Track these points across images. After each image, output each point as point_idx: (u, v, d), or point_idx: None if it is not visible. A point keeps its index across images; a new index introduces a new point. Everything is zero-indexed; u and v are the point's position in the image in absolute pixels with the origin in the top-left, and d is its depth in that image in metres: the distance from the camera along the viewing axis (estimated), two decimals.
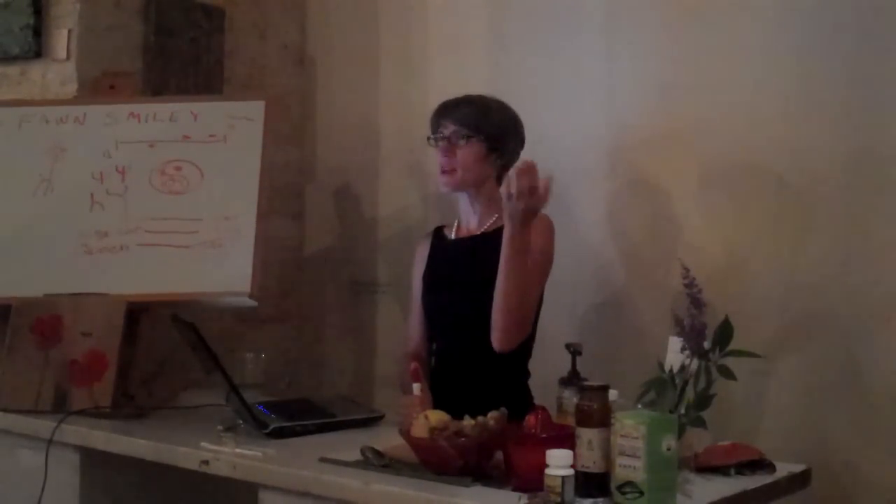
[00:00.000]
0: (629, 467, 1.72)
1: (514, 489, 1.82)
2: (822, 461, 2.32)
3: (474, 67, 3.06)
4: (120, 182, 2.81)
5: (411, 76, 3.22)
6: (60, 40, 2.98)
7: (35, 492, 2.36)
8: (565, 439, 1.80)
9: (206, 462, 2.14)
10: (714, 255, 2.64)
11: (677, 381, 1.99)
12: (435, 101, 2.63)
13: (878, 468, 2.44)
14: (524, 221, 2.25)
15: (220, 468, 2.12)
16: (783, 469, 2.00)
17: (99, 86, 2.97)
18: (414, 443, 1.96)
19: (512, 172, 2.22)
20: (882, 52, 2.44)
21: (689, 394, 1.98)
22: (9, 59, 3.05)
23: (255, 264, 2.68)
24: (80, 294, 2.65)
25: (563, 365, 2.23)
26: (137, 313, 2.66)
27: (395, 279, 3.21)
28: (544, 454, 1.73)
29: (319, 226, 3.47)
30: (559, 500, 1.70)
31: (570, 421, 1.93)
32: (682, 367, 2.00)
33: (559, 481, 1.70)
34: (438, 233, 2.70)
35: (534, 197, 2.20)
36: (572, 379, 2.19)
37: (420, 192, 3.18)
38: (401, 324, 2.93)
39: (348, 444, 2.12)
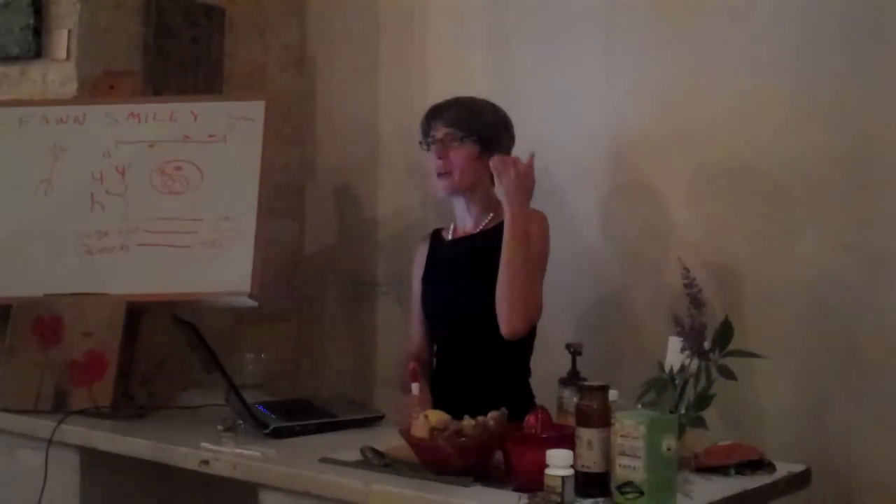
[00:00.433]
0: (629, 467, 1.72)
1: (514, 489, 1.82)
2: (822, 461, 2.32)
3: (474, 68, 3.06)
4: (120, 182, 2.81)
5: (411, 76, 3.22)
6: (60, 40, 2.98)
7: (35, 492, 2.36)
8: (565, 439, 1.80)
9: (206, 462, 2.14)
10: (713, 255, 2.64)
11: (677, 381, 1.99)
12: (435, 101, 2.64)
13: (878, 468, 2.44)
14: (521, 200, 2.32)
15: (220, 468, 2.12)
16: (783, 469, 2.00)
17: (99, 86, 2.97)
18: (414, 443, 1.96)
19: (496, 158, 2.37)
20: (877, 57, 2.45)
21: (689, 394, 1.98)
22: (9, 59, 3.05)
23: (255, 264, 2.68)
24: (80, 294, 2.65)
25: (563, 365, 2.23)
26: (137, 313, 2.66)
27: (395, 279, 3.21)
28: (544, 454, 1.73)
29: (319, 226, 3.47)
30: (559, 500, 1.70)
31: (570, 421, 1.93)
32: (682, 367, 2.00)
33: (559, 481, 1.70)
34: (436, 235, 2.71)
35: (521, 173, 2.30)
36: (572, 379, 2.19)
37: (420, 192, 3.18)
38: (401, 324, 2.93)
39: (348, 444, 2.12)
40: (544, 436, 1.89)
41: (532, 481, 1.77)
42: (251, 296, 2.66)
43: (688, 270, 2.03)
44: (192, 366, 2.53)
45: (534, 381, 2.54)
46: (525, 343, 2.49)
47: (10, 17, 3.02)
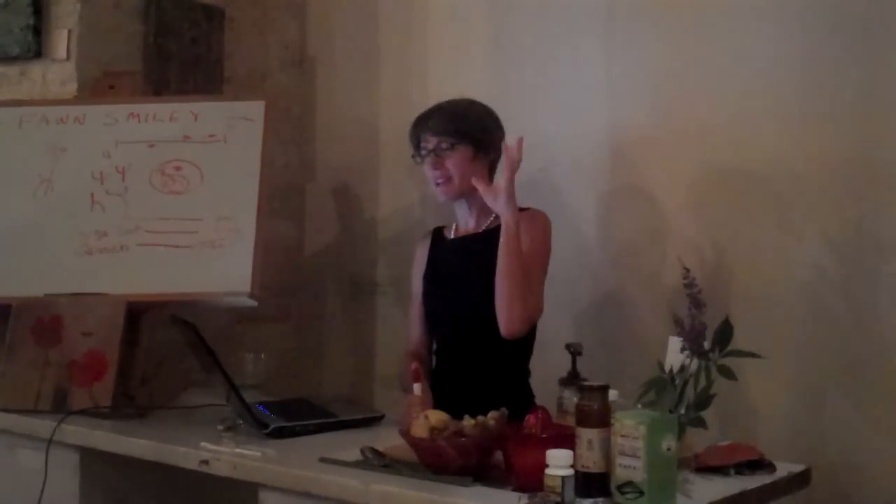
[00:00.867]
0: (629, 467, 1.72)
1: (514, 489, 1.82)
2: (822, 461, 2.32)
3: (474, 68, 3.07)
4: (120, 182, 2.81)
5: (411, 76, 3.22)
6: (60, 40, 2.98)
7: (35, 492, 2.36)
8: (565, 439, 1.80)
9: (206, 462, 2.14)
10: (713, 255, 2.64)
11: (677, 381, 1.99)
12: (435, 101, 2.64)
13: (878, 468, 2.44)
14: (512, 205, 2.31)
15: (220, 468, 2.12)
16: (783, 469, 2.00)
17: (99, 86, 2.97)
18: (414, 443, 1.96)
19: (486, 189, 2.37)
20: (877, 59, 2.45)
21: (689, 394, 1.98)
22: (9, 59, 3.05)
23: (255, 264, 2.68)
24: (80, 294, 2.65)
25: (563, 365, 2.23)
26: (137, 313, 2.66)
27: (395, 279, 3.21)
28: (544, 454, 1.73)
29: (319, 226, 3.47)
30: (559, 500, 1.70)
31: (570, 421, 1.93)
32: (682, 367, 2.00)
33: (559, 481, 1.70)
34: (437, 233, 2.70)
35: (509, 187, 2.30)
36: (572, 379, 2.19)
37: (420, 192, 3.18)
38: (401, 324, 2.93)
39: (348, 444, 2.12)
40: (544, 436, 1.89)
41: (532, 481, 1.77)
42: (251, 296, 2.66)
43: (688, 270, 2.03)
44: (192, 366, 2.53)
45: (534, 381, 2.54)
46: (525, 342, 2.49)
47: (10, 17, 3.02)
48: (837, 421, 2.49)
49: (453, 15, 3.14)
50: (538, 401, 2.38)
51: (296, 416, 2.35)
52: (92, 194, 2.80)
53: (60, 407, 2.50)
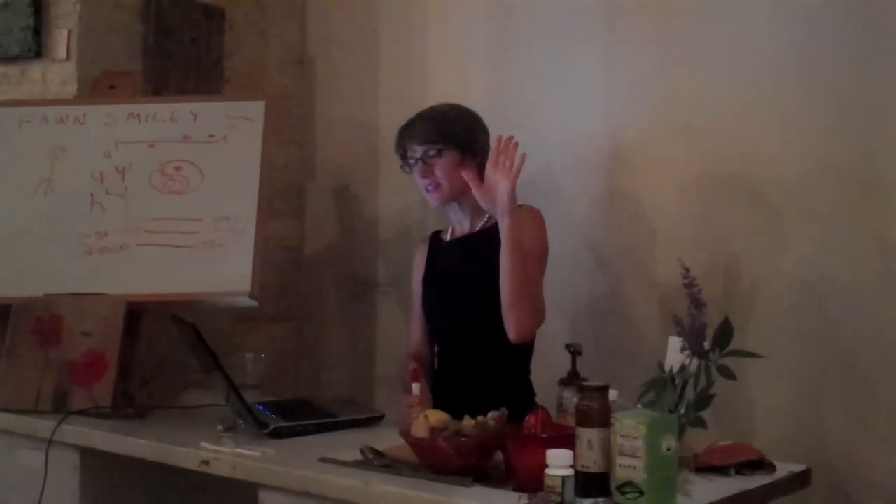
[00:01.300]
0: (629, 467, 1.72)
1: (514, 489, 1.82)
2: (822, 461, 2.32)
3: (474, 68, 3.07)
4: (120, 182, 2.81)
5: (411, 76, 3.22)
6: (60, 40, 2.98)
7: (35, 492, 2.36)
8: (565, 439, 1.80)
9: (206, 462, 2.14)
10: (713, 255, 2.64)
11: (677, 381, 1.99)
12: (435, 102, 2.64)
13: (878, 468, 2.44)
14: (511, 210, 2.29)
15: (220, 468, 2.12)
16: (783, 469, 2.00)
17: (99, 86, 2.97)
18: (414, 443, 1.96)
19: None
20: (877, 62, 2.45)
21: (689, 394, 1.98)
22: (9, 59, 3.06)
23: (255, 264, 2.68)
24: (80, 294, 2.65)
25: (563, 365, 2.23)
26: (137, 313, 2.66)
27: (395, 279, 3.21)
28: (544, 454, 1.73)
29: (319, 226, 3.47)
30: (559, 500, 1.70)
31: (570, 421, 1.93)
32: (682, 367, 2.00)
33: (559, 481, 1.70)
34: (435, 237, 2.71)
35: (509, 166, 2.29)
36: (572, 379, 2.19)
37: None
38: (401, 323, 2.93)
39: (348, 444, 2.12)
40: (544, 436, 1.88)
41: (532, 481, 1.77)
42: (251, 296, 2.66)
43: (688, 270, 2.03)
44: (192, 366, 2.53)
45: (534, 381, 2.54)
46: (526, 343, 2.49)
47: (10, 17, 3.02)
48: (837, 421, 2.49)
49: (453, 15, 3.14)
50: (538, 401, 2.38)
51: (296, 416, 2.35)
52: (92, 194, 2.80)
53: (60, 407, 2.50)
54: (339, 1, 3.43)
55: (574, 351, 2.23)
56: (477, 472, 1.90)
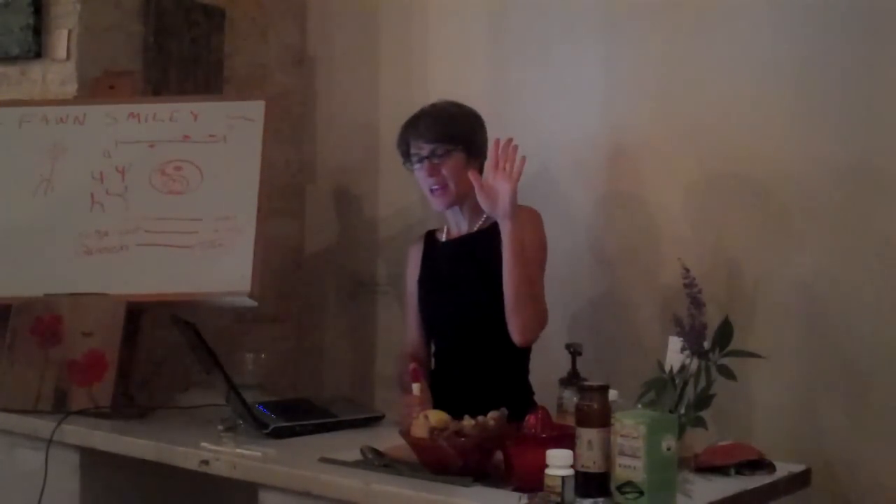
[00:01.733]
0: (629, 467, 1.72)
1: (514, 489, 1.82)
2: (822, 461, 2.32)
3: (474, 68, 3.07)
4: (120, 182, 2.81)
5: (411, 76, 3.22)
6: (60, 40, 2.98)
7: (35, 492, 2.36)
8: (565, 439, 1.80)
9: (206, 462, 2.14)
10: (711, 256, 2.64)
11: (677, 381, 1.99)
12: (435, 101, 2.63)
13: (877, 468, 2.44)
14: (513, 212, 2.30)
15: (220, 468, 2.12)
16: (783, 469, 2.00)
17: (99, 86, 2.97)
18: (414, 443, 1.96)
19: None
20: (880, 62, 2.45)
21: (689, 394, 1.98)
22: (9, 59, 3.05)
23: (255, 264, 2.67)
24: (80, 294, 2.65)
25: (563, 365, 2.23)
26: (137, 313, 2.66)
27: (395, 279, 3.21)
28: (544, 454, 1.73)
29: (319, 226, 3.47)
30: (559, 500, 1.70)
31: (570, 421, 1.93)
32: (682, 367, 2.00)
33: (559, 481, 1.70)
34: (430, 236, 2.71)
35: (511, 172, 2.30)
36: (572, 379, 2.19)
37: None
38: (401, 323, 2.93)
39: (348, 444, 2.12)
40: (544, 436, 1.88)
41: (532, 481, 1.77)
42: (251, 296, 2.66)
43: (688, 271, 2.03)
44: (192, 366, 2.53)
45: (534, 381, 2.54)
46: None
47: (10, 17, 3.02)
48: (837, 421, 2.49)
49: (453, 15, 3.14)
50: (538, 401, 2.38)
51: (296, 416, 2.35)
52: (92, 194, 2.80)
53: (60, 407, 2.50)
54: (339, 1, 3.43)
55: (574, 351, 2.23)
56: (477, 472, 1.90)
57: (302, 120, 3.48)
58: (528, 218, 2.45)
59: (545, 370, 2.41)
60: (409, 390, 2.37)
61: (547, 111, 2.90)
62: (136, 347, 2.64)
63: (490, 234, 2.42)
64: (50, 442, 2.37)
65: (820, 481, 2.14)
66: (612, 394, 1.85)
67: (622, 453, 1.72)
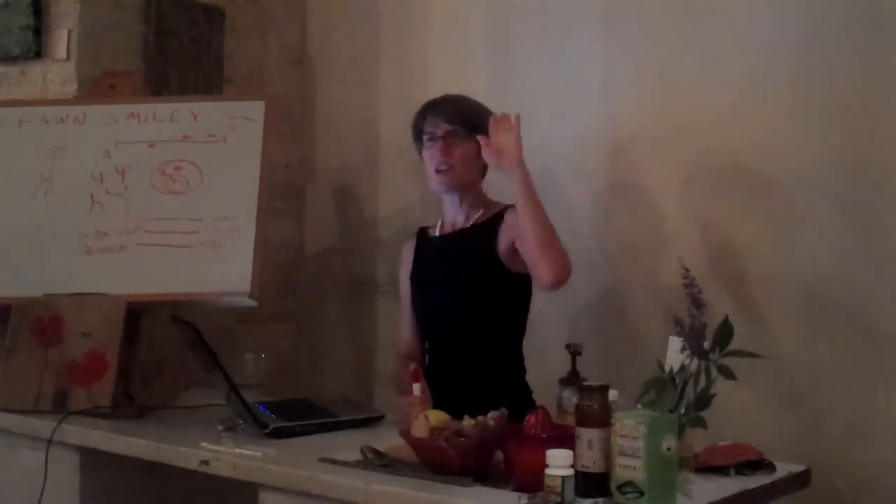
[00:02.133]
0: (629, 467, 1.72)
1: (514, 489, 1.82)
2: (821, 461, 2.32)
3: (474, 68, 3.07)
4: (120, 182, 2.81)
5: (411, 76, 3.22)
6: (60, 40, 2.98)
7: (35, 492, 2.36)
8: (565, 439, 1.80)
9: (206, 462, 2.14)
10: (712, 255, 2.64)
11: (677, 381, 1.99)
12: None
13: (877, 468, 2.44)
14: (522, 160, 2.31)
15: (220, 468, 2.12)
16: (783, 469, 2.00)
17: (99, 86, 2.97)
18: (414, 443, 1.96)
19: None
20: (880, 57, 2.45)
21: (689, 394, 1.98)
22: (9, 59, 3.05)
23: (255, 264, 2.68)
24: (80, 294, 2.65)
25: (563, 365, 2.23)
26: (137, 313, 2.66)
27: (395, 279, 3.20)
28: (544, 454, 1.73)
29: (319, 226, 3.47)
30: (559, 500, 1.70)
31: (570, 421, 1.93)
32: (682, 367, 1.99)
33: (559, 481, 1.70)
34: (422, 233, 2.70)
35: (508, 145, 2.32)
36: (572, 379, 2.20)
37: (420, 192, 3.18)
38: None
39: (348, 444, 2.12)
40: (544, 436, 1.89)
41: (532, 481, 1.77)
42: (251, 296, 2.66)
43: (688, 270, 2.03)
44: (192, 366, 2.53)
45: (534, 381, 2.54)
46: (513, 338, 2.49)
47: (10, 17, 3.02)
48: (837, 421, 2.49)
49: (453, 15, 3.14)
50: (538, 401, 2.38)
51: (296, 416, 2.35)
52: (92, 194, 2.80)
53: (60, 407, 2.50)
54: (339, 1, 3.43)
55: (574, 351, 2.23)
56: (477, 472, 1.90)
57: (302, 120, 3.48)
58: None
59: (545, 370, 2.41)
60: (408, 391, 2.36)
61: (547, 110, 2.89)
62: (136, 347, 2.64)
63: (485, 229, 2.42)
64: (50, 442, 2.37)
65: (820, 481, 2.14)
66: (612, 394, 1.85)
67: (622, 453, 1.72)
